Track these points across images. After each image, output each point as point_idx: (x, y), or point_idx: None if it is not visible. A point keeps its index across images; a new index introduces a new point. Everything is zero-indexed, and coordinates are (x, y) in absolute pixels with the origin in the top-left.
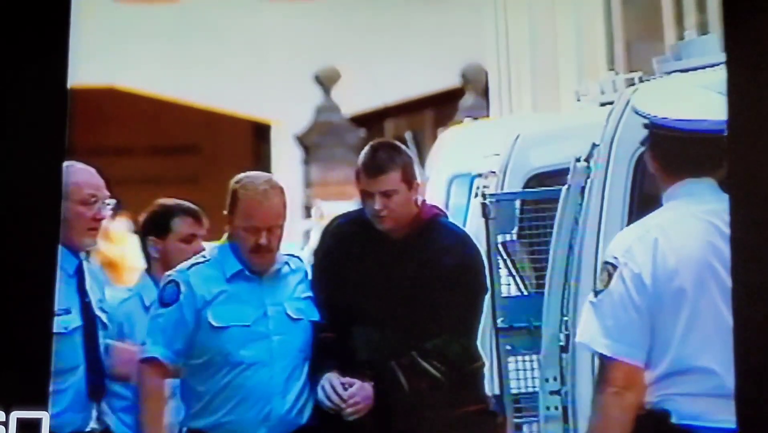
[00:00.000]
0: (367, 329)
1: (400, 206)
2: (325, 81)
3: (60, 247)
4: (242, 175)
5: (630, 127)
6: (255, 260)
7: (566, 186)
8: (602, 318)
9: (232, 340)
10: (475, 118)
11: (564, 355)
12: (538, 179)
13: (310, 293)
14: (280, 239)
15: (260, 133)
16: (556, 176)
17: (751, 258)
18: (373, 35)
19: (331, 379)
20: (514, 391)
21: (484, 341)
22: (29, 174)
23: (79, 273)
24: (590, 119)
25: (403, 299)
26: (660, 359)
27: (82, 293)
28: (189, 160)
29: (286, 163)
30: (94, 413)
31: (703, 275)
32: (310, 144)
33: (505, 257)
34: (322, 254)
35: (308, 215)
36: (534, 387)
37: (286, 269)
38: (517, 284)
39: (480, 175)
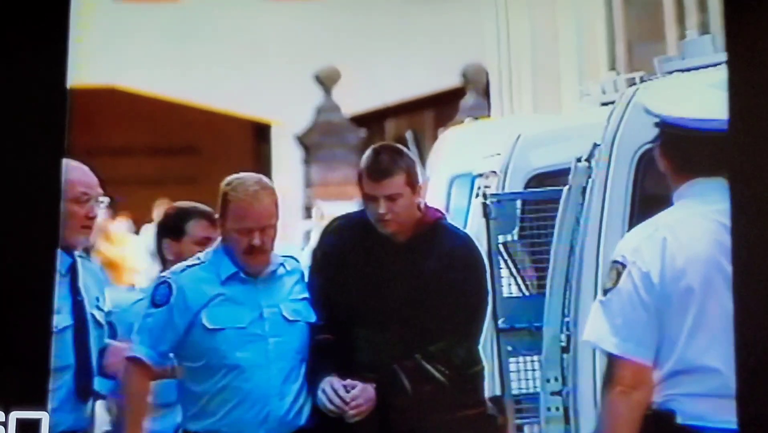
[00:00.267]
0: (369, 331)
1: (405, 210)
2: (326, 81)
3: None
4: (232, 177)
5: (631, 127)
6: (249, 261)
7: (567, 186)
8: (611, 317)
9: (227, 342)
10: (476, 119)
11: (565, 355)
12: (539, 179)
13: (306, 294)
14: (274, 239)
15: (260, 133)
16: (557, 176)
17: (752, 258)
18: (374, 35)
19: (332, 382)
20: (515, 392)
21: (485, 342)
22: (28, 174)
23: (72, 272)
24: (591, 119)
25: (407, 302)
26: (666, 358)
27: (75, 291)
28: (189, 161)
29: (287, 164)
30: (88, 413)
31: (712, 274)
32: (311, 144)
33: (506, 257)
34: (321, 256)
35: (308, 216)
36: (535, 388)
37: (281, 270)
38: (518, 285)
39: (481, 176)
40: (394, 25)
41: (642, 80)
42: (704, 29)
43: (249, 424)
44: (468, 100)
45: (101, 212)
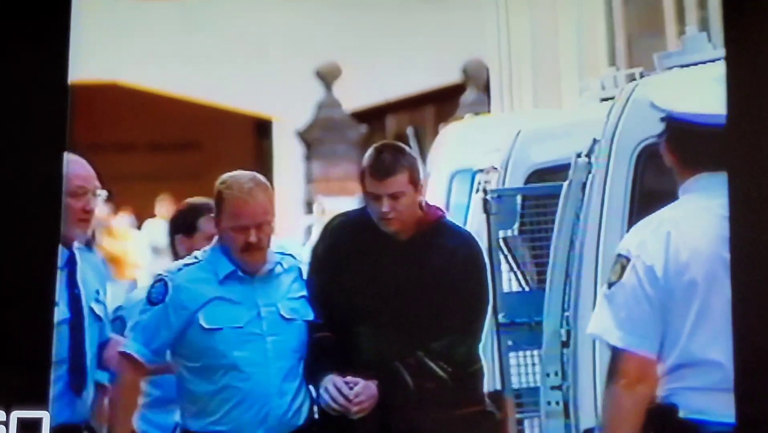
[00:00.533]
0: (371, 329)
1: (407, 208)
2: (327, 77)
3: None
4: (226, 175)
5: (631, 123)
6: (246, 258)
7: (567, 182)
8: (615, 310)
9: (225, 342)
10: (477, 114)
11: (565, 350)
12: (539, 175)
13: (303, 292)
14: (270, 236)
15: (262, 129)
16: (557, 172)
17: (751, 254)
18: (375, 31)
19: (334, 380)
20: (515, 386)
21: (485, 338)
22: (30, 170)
23: (70, 265)
24: (591, 115)
25: (409, 299)
26: (670, 351)
27: (72, 284)
28: (190, 156)
29: (288, 160)
30: (88, 406)
31: (715, 268)
32: (312, 140)
33: (506, 252)
34: (322, 253)
35: (310, 211)
36: (535, 382)
37: (278, 268)
38: (518, 280)
39: (481, 171)
40: (394, 22)
41: (642, 76)
42: (704, 25)
43: (248, 423)
44: (468, 96)
45: (100, 206)
